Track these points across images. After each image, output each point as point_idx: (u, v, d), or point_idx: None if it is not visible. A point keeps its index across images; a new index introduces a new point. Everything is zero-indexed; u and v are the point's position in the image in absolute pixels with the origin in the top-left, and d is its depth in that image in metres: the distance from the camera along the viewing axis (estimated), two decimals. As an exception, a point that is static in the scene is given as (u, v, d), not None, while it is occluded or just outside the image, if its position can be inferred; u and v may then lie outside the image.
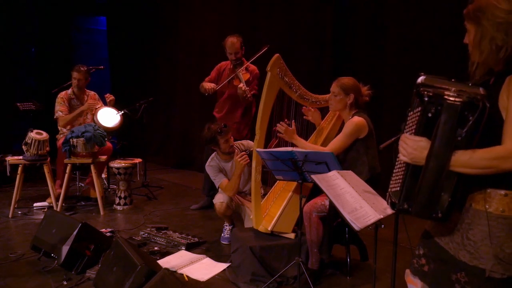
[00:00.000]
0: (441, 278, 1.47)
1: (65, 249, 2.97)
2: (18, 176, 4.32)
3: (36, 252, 3.20)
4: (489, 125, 1.30)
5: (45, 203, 4.63)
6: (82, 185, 5.24)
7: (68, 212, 4.35)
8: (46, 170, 4.33)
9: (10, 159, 4.40)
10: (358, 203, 1.96)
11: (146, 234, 3.69)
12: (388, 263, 2.26)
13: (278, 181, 3.18)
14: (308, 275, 2.67)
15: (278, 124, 2.92)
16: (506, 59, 1.37)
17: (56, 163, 4.72)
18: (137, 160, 4.79)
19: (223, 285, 2.88)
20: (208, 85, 4.27)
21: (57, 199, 4.40)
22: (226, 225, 3.69)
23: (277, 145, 3.15)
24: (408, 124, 1.43)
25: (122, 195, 4.59)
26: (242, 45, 4.21)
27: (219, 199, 3.51)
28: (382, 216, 1.88)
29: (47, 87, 5.58)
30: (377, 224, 1.92)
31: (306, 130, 3.24)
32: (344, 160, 2.82)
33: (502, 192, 1.34)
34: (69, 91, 4.88)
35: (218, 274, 3.00)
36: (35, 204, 4.64)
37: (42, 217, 3.44)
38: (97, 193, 4.44)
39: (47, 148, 4.32)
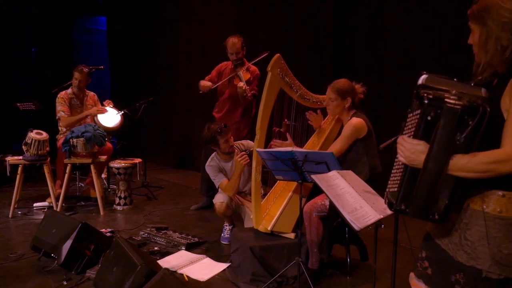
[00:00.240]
0: (442, 279, 1.47)
1: (65, 249, 2.96)
2: (18, 176, 4.32)
3: (36, 252, 3.20)
4: (490, 127, 1.29)
5: (45, 203, 4.63)
6: (82, 185, 5.24)
7: (68, 212, 4.35)
8: (46, 170, 4.33)
9: (10, 159, 4.40)
10: (358, 203, 1.96)
11: (146, 234, 3.69)
12: (388, 263, 2.26)
13: (278, 181, 3.18)
14: (308, 275, 2.67)
15: (272, 143, 2.95)
16: (511, 60, 1.35)
17: (56, 163, 4.72)
18: (137, 160, 4.79)
19: (223, 285, 2.88)
20: (204, 83, 4.28)
21: (57, 199, 4.40)
22: (226, 225, 3.69)
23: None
24: (407, 125, 1.42)
25: (122, 195, 4.59)
26: (243, 45, 4.21)
27: (219, 199, 3.51)
28: (382, 216, 1.88)
29: (47, 87, 5.57)
30: (377, 224, 1.92)
31: (306, 131, 3.24)
32: (344, 160, 2.82)
33: (500, 192, 1.34)
34: (69, 90, 4.88)
35: (218, 274, 3.00)
36: (35, 204, 4.64)
37: (42, 217, 3.45)
38: (97, 193, 4.44)
39: (47, 148, 4.32)
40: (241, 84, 4.05)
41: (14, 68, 7.42)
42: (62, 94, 4.85)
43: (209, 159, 3.65)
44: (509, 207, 1.33)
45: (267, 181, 3.29)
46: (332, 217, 2.76)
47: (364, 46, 4.78)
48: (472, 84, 1.40)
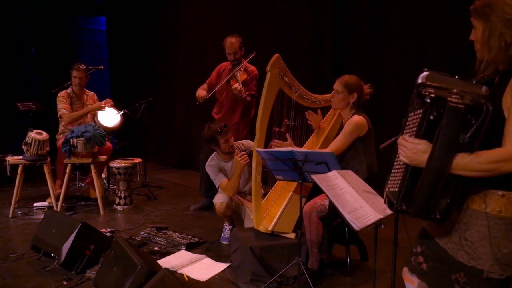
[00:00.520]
0: (441, 277, 1.47)
1: (65, 249, 2.97)
2: (18, 176, 4.32)
3: (36, 252, 3.20)
4: (491, 126, 1.28)
5: (45, 203, 4.63)
6: (82, 185, 5.24)
7: (68, 212, 4.35)
8: (46, 170, 4.33)
9: (10, 159, 4.40)
10: (358, 203, 1.96)
11: (146, 234, 3.69)
12: (388, 263, 2.26)
13: (278, 181, 3.18)
14: (308, 275, 2.66)
15: (271, 143, 2.95)
16: None
17: (56, 163, 4.72)
18: (137, 160, 4.79)
19: (223, 285, 2.88)
20: (199, 93, 4.30)
21: (57, 199, 4.40)
22: (226, 225, 3.69)
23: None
24: (408, 125, 1.41)
25: (122, 195, 4.59)
26: (241, 45, 4.21)
27: (219, 199, 3.51)
28: (382, 216, 1.88)
29: (47, 87, 5.57)
30: (377, 224, 1.91)
31: (306, 130, 3.24)
32: (342, 158, 2.81)
33: (500, 192, 1.34)
34: (69, 90, 4.88)
35: (218, 274, 3.00)
36: (35, 204, 4.64)
37: (42, 217, 3.45)
38: (97, 193, 4.44)
39: (47, 148, 4.32)
40: (236, 85, 4.04)
41: (14, 68, 7.42)
42: (62, 93, 4.85)
43: (209, 159, 3.65)
44: (509, 207, 1.33)
45: (267, 181, 3.29)
46: (332, 217, 2.76)
47: (364, 46, 4.78)
48: (473, 82, 1.39)
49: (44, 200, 4.69)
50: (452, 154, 1.29)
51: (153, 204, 4.84)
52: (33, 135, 4.20)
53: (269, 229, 2.95)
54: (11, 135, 6.85)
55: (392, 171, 1.50)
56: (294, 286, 2.80)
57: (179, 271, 3.00)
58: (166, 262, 3.13)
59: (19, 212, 4.42)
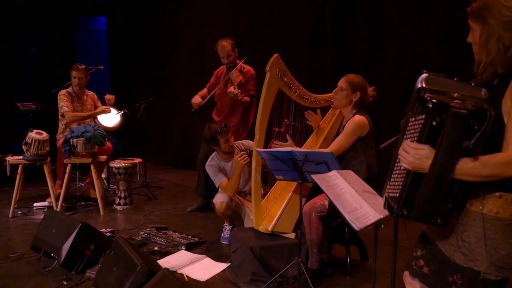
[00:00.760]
0: (439, 279, 1.46)
1: (65, 249, 2.97)
2: (18, 176, 4.32)
3: (36, 252, 3.20)
4: (491, 129, 1.27)
5: (45, 203, 4.63)
6: (82, 185, 5.24)
7: (68, 212, 4.35)
8: (46, 170, 4.33)
9: (10, 159, 4.40)
10: (358, 203, 1.96)
11: (146, 234, 3.69)
12: (388, 263, 2.25)
13: (278, 181, 3.18)
14: (308, 275, 2.67)
15: (271, 144, 2.95)
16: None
17: (56, 163, 4.72)
18: (137, 160, 4.79)
19: (223, 285, 2.88)
20: (194, 100, 4.30)
21: (57, 199, 4.40)
22: (226, 225, 3.69)
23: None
24: (409, 130, 1.38)
25: (122, 195, 4.59)
26: (233, 47, 4.19)
27: (219, 199, 3.51)
28: (382, 216, 1.87)
29: (47, 87, 5.58)
30: (377, 224, 1.91)
31: (305, 130, 3.24)
32: (342, 158, 2.81)
33: (497, 194, 1.33)
34: (69, 89, 4.88)
35: (218, 274, 3.00)
36: (35, 204, 4.64)
37: (42, 217, 3.45)
38: (97, 193, 4.44)
39: (47, 148, 4.32)
40: (231, 88, 4.02)
41: (14, 68, 7.42)
42: (63, 91, 4.85)
43: (209, 159, 3.66)
44: (506, 208, 1.32)
45: (267, 181, 3.29)
46: (332, 217, 2.75)
47: (364, 46, 4.78)
48: (472, 84, 1.38)
49: (44, 200, 4.69)
50: (455, 160, 1.27)
51: (153, 204, 4.84)
52: (33, 135, 4.20)
53: (269, 229, 2.95)
54: (11, 135, 6.86)
55: (392, 176, 1.47)
56: (294, 286, 2.80)
57: (179, 271, 3.00)
58: (166, 262, 3.13)
59: (19, 212, 4.42)
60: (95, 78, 5.47)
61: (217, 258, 3.26)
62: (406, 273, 1.60)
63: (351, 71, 2.99)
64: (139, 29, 7.70)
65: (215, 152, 3.66)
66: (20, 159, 4.29)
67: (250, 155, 3.29)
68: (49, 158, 4.39)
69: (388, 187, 1.49)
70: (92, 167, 4.38)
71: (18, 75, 7.50)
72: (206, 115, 4.67)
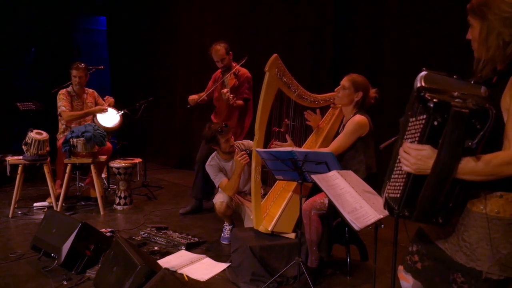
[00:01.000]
0: (437, 277, 1.46)
1: (65, 249, 2.97)
2: (18, 176, 4.32)
3: (36, 252, 3.20)
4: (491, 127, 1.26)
5: (45, 203, 4.63)
6: (82, 185, 5.24)
7: (68, 212, 4.35)
8: (46, 170, 4.33)
9: (10, 159, 4.40)
10: (358, 203, 1.96)
11: (146, 234, 3.69)
12: (388, 263, 2.26)
13: (278, 181, 3.18)
14: (308, 275, 2.66)
15: (271, 145, 2.96)
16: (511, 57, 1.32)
17: (56, 163, 4.72)
18: (137, 160, 4.79)
19: (223, 285, 2.88)
20: (191, 97, 4.29)
21: (57, 199, 4.40)
22: (226, 225, 3.69)
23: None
24: (410, 130, 1.37)
25: (122, 195, 4.59)
26: (227, 51, 4.16)
27: (219, 199, 3.51)
28: (382, 216, 1.87)
29: (47, 87, 5.58)
30: (377, 224, 1.91)
31: (305, 130, 3.24)
32: (341, 158, 2.81)
33: (498, 193, 1.33)
34: (69, 88, 4.89)
35: (218, 274, 3.00)
36: (35, 204, 4.64)
37: (42, 217, 3.45)
38: (97, 193, 4.44)
39: (47, 148, 4.32)
40: (224, 91, 4.00)
41: (14, 68, 7.42)
42: (62, 91, 4.86)
43: (210, 159, 3.66)
44: (507, 208, 1.32)
45: (267, 181, 3.29)
46: (331, 216, 2.76)
47: (364, 46, 4.78)
48: (472, 82, 1.37)
49: (44, 200, 4.69)
50: (457, 160, 1.26)
51: (153, 204, 4.84)
52: (33, 135, 4.20)
53: (269, 229, 2.95)
54: (11, 135, 6.86)
55: (392, 176, 1.46)
56: (294, 286, 2.80)
57: (179, 271, 3.00)
58: (166, 262, 3.13)
59: (19, 212, 4.42)
60: (95, 78, 5.48)
61: (217, 258, 3.26)
62: (400, 267, 1.61)
63: (351, 71, 2.99)
64: (139, 29, 7.71)
65: (215, 152, 3.66)
66: (20, 159, 4.29)
67: (250, 155, 3.29)
68: (49, 158, 4.39)
69: (388, 187, 1.48)
70: (92, 167, 4.39)
71: (18, 75, 7.49)
72: (206, 115, 4.67)
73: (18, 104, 5.79)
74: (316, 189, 2.81)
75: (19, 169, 4.32)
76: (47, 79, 6.98)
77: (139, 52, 7.77)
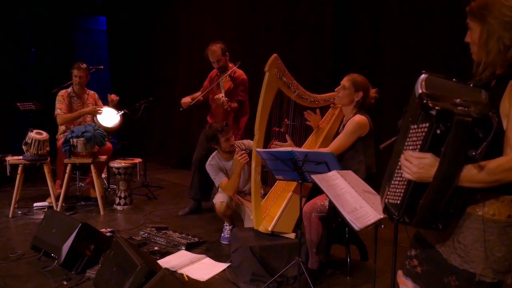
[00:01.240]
0: (433, 280, 1.45)
1: (65, 249, 2.97)
2: (18, 176, 4.32)
3: (36, 252, 3.20)
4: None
5: (45, 203, 4.63)
6: (82, 185, 5.24)
7: (68, 212, 4.35)
8: (46, 170, 4.33)
9: (10, 159, 4.40)
10: (358, 203, 1.96)
11: (146, 234, 3.69)
12: (388, 263, 2.26)
13: (278, 181, 3.18)
14: (308, 275, 2.67)
15: (271, 145, 2.96)
16: (511, 61, 1.30)
17: (56, 163, 4.72)
18: (137, 160, 4.79)
19: (223, 285, 2.88)
20: (184, 99, 4.28)
21: (57, 199, 4.40)
22: (226, 225, 3.69)
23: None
24: (411, 137, 1.34)
25: (122, 195, 4.59)
26: (224, 51, 4.13)
27: (219, 199, 3.51)
28: (382, 216, 1.87)
29: (47, 87, 5.58)
30: (377, 224, 1.91)
31: (305, 130, 3.24)
32: (341, 158, 2.81)
33: (494, 196, 1.32)
34: (69, 89, 4.89)
35: (218, 274, 3.00)
36: (35, 204, 4.64)
37: (42, 217, 3.45)
38: (97, 193, 4.44)
39: (47, 148, 4.32)
40: (219, 95, 3.98)
41: (14, 68, 7.42)
42: (62, 92, 4.85)
43: (210, 158, 3.66)
44: (502, 210, 1.32)
45: (267, 181, 3.29)
46: (332, 218, 2.75)
47: (364, 46, 4.78)
48: (471, 85, 1.36)
49: (44, 200, 4.69)
50: (460, 168, 1.25)
51: (153, 204, 4.84)
52: (33, 135, 4.20)
53: (269, 229, 2.95)
54: (11, 135, 6.86)
55: (393, 182, 1.45)
56: (294, 286, 2.80)
57: (179, 271, 3.00)
58: (166, 262, 3.13)
59: (19, 212, 4.42)
60: (95, 78, 5.48)
61: (217, 258, 3.26)
62: (400, 272, 1.60)
63: (351, 71, 2.99)
64: (139, 29, 7.71)
65: (215, 151, 3.67)
66: (20, 159, 4.29)
67: (250, 154, 3.29)
68: (49, 158, 4.39)
69: (388, 193, 1.46)
70: (92, 167, 4.38)
71: (18, 75, 7.50)
72: (206, 114, 4.67)
73: (18, 104, 5.80)
74: (316, 190, 2.80)
75: (19, 169, 4.32)
76: (47, 79, 6.99)
77: (139, 52, 7.77)
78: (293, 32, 5.34)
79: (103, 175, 5.23)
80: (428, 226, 1.35)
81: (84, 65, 4.85)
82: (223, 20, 6.18)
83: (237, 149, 3.62)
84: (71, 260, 2.96)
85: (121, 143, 5.79)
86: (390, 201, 1.44)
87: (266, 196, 3.20)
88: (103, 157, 4.57)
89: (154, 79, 7.53)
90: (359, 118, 2.78)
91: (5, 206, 4.56)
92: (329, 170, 2.38)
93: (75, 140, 4.28)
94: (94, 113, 4.81)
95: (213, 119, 4.33)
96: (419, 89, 1.30)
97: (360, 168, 2.77)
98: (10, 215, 4.28)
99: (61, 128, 4.86)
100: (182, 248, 3.44)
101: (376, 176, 2.83)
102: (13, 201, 4.32)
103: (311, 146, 3.15)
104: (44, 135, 4.28)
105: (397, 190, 1.41)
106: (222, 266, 3.11)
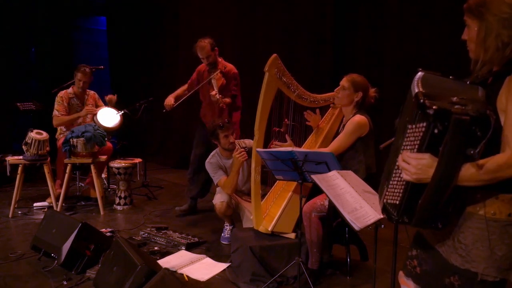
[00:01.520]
0: (434, 280, 1.45)
1: (65, 249, 2.97)
2: (18, 176, 4.32)
3: (36, 252, 3.20)
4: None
5: (45, 203, 4.63)
6: (82, 185, 5.24)
7: (68, 212, 4.35)
8: (46, 170, 4.33)
9: (10, 159, 4.40)
10: (358, 203, 1.96)
11: (146, 234, 3.69)
12: (388, 263, 2.26)
13: (278, 181, 3.18)
14: (308, 275, 2.67)
15: (271, 145, 2.96)
16: (509, 58, 1.29)
17: (56, 163, 4.72)
18: (137, 160, 4.79)
19: (223, 285, 2.88)
20: (167, 101, 4.30)
21: (57, 199, 4.40)
22: (226, 225, 3.69)
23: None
24: (408, 137, 1.33)
25: (122, 195, 4.59)
26: (213, 47, 4.07)
27: (219, 199, 3.51)
28: (382, 216, 1.87)
29: (47, 87, 5.58)
30: (377, 224, 1.92)
31: (305, 130, 3.24)
32: (341, 158, 2.81)
33: (493, 194, 1.31)
34: (70, 90, 4.89)
35: (218, 274, 3.00)
36: (35, 204, 4.64)
37: (42, 217, 3.45)
38: (97, 193, 4.44)
39: (47, 148, 4.32)
40: (213, 93, 3.93)
41: (14, 68, 7.42)
42: (62, 93, 4.85)
43: (210, 156, 3.66)
44: (502, 209, 1.31)
45: (267, 181, 3.29)
46: (332, 218, 2.76)
47: (364, 46, 4.78)
48: (468, 83, 1.36)
49: (44, 200, 4.69)
50: (458, 168, 1.24)
51: (153, 204, 4.84)
52: (33, 135, 4.20)
53: (269, 229, 2.95)
54: (11, 135, 6.86)
55: (391, 182, 1.44)
56: (294, 286, 2.80)
57: (179, 271, 3.00)
58: (166, 262, 3.13)
59: (19, 212, 4.42)
60: (95, 78, 5.47)
61: (217, 258, 3.26)
62: (401, 273, 1.60)
63: (350, 71, 2.99)
64: (139, 29, 7.70)
65: (216, 149, 3.67)
66: (20, 159, 4.29)
67: (248, 152, 3.29)
68: (49, 158, 4.39)
69: (387, 193, 1.46)
70: (92, 167, 4.39)
71: (18, 75, 7.49)
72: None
73: (18, 104, 5.79)
74: (316, 190, 2.81)
75: (19, 169, 4.32)
76: (47, 79, 6.99)
77: (139, 52, 7.76)
78: (293, 32, 5.34)
79: (103, 175, 5.23)
80: (427, 225, 1.35)
81: (88, 70, 4.86)
82: (223, 20, 6.18)
83: (236, 147, 3.62)
84: (71, 260, 2.96)
85: (121, 143, 5.79)
86: (389, 201, 1.43)
87: (266, 196, 3.20)
88: (103, 157, 4.57)
89: (154, 79, 7.52)
90: (359, 118, 2.78)
91: (5, 206, 4.56)
92: (329, 170, 2.38)
93: (75, 140, 4.28)
94: (88, 114, 4.81)
95: (206, 118, 4.31)
96: (416, 88, 1.28)
97: (360, 168, 2.77)
98: (10, 215, 4.28)
99: (62, 127, 4.86)
100: (182, 248, 3.44)
101: (376, 176, 2.82)
102: (13, 201, 4.32)
103: (311, 146, 3.15)
104: (44, 135, 4.28)
105: (396, 190, 1.40)
106: (222, 266, 3.11)
